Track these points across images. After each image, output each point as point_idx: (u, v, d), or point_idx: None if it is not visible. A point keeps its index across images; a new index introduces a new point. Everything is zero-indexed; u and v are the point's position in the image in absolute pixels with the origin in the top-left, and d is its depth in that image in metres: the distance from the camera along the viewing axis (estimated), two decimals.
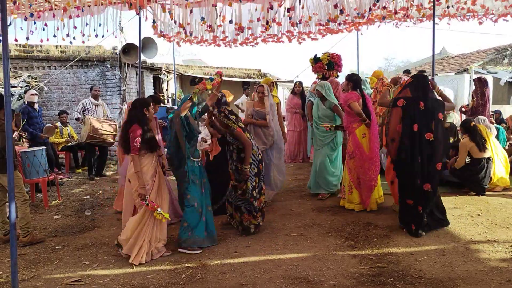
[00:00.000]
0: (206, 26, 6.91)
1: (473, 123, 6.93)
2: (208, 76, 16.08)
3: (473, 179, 6.70)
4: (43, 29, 6.70)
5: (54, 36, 6.85)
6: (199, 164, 4.90)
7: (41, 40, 7.05)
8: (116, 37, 7.93)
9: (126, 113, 5.99)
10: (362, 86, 8.10)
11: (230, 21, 6.46)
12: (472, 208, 6.00)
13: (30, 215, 5.33)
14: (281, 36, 8.76)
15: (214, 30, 7.35)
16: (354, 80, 6.15)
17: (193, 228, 4.76)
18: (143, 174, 4.53)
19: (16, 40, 6.87)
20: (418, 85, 4.99)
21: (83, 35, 6.83)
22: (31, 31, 6.82)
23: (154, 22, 7.25)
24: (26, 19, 6.57)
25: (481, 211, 5.86)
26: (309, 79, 11.59)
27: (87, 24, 6.68)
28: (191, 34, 7.82)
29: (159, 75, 14.27)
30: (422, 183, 4.85)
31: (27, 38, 6.86)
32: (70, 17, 6.44)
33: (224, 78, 16.42)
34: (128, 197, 5.16)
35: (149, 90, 13.23)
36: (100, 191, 7.93)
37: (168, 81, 15.07)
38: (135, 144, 4.49)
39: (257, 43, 8.85)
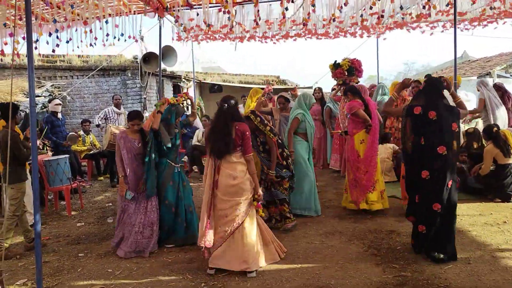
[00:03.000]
0: (229, 22, 7.01)
1: (495, 129, 6.79)
2: (227, 84, 16.22)
3: (498, 186, 6.56)
4: (67, 42, 6.84)
5: (78, 47, 6.99)
6: (178, 170, 5.40)
7: (67, 55, 7.23)
8: (136, 41, 8.05)
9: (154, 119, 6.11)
10: (380, 90, 8.06)
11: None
12: (498, 215, 5.87)
13: (12, 232, 5.23)
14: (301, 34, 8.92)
15: (233, 26, 7.47)
16: (352, 90, 6.50)
17: (171, 229, 5.29)
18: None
19: (40, 55, 7.07)
20: (431, 91, 4.44)
21: (104, 45, 7.00)
22: (57, 44, 6.98)
23: (176, 21, 7.39)
24: (50, 34, 6.72)
25: (508, 218, 5.73)
26: (329, 84, 11.52)
27: (108, 34, 6.80)
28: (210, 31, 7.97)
29: (178, 83, 14.42)
30: (431, 203, 4.32)
31: (53, 51, 7.02)
32: (91, 31, 6.62)
33: (242, 85, 16.39)
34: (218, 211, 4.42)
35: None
36: None
37: (187, 88, 15.20)
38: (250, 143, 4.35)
39: (277, 39, 8.98)
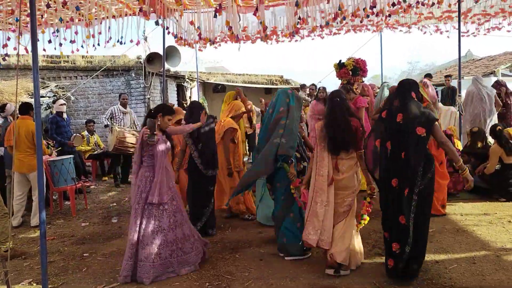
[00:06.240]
0: (228, 31, 7.00)
1: (499, 127, 6.78)
2: (230, 84, 16.22)
3: (503, 185, 6.54)
4: (71, 41, 6.92)
5: (82, 46, 7.07)
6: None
7: (72, 51, 7.29)
8: (139, 44, 8.11)
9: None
10: (386, 90, 8.03)
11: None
12: (502, 215, 5.86)
13: (9, 230, 4.89)
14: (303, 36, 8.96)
15: (238, 39, 7.45)
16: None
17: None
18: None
19: (44, 50, 7.15)
20: (398, 93, 4.15)
21: (106, 44, 7.08)
22: (60, 43, 7.02)
23: (176, 36, 7.41)
24: (54, 33, 6.77)
25: None
26: (332, 84, 11.52)
27: (111, 38, 6.87)
28: (213, 42, 7.95)
29: (182, 83, 14.42)
30: (398, 215, 3.89)
31: (55, 49, 7.09)
32: (93, 36, 6.69)
33: (246, 85, 16.45)
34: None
35: (173, 98, 13.37)
36: (126, 198, 8.02)
37: (191, 88, 15.21)
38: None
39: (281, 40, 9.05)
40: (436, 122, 3.95)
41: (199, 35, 7.21)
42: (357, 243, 4.37)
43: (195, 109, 5.51)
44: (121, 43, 7.11)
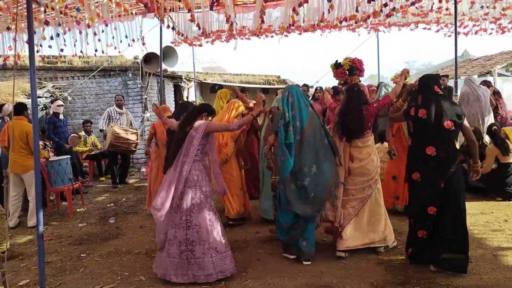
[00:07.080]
0: (227, 26, 7.05)
1: (494, 127, 6.81)
2: (228, 83, 16.22)
3: (499, 184, 6.57)
4: (74, 45, 6.98)
5: (81, 51, 7.12)
6: None
7: (74, 55, 7.34)
8: (140, 42, 8.15)
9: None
10: (384, 90, 8.02)
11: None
12: (499, 214, 5.88)
13: (7, 231, 4.95)
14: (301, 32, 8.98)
15: (235, 35, 7.47)
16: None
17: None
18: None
19: (42, 58, 7.16)
20: (420, 89, 4.24)
21: (109, 45, 7.12)
22: (61, 49, 7.05)
23: (173, 28, 7.42)
24: (52, 38, 6.77)
25: (509, 217, 5.74)
26: (331, 84, 11.54)
27: (113, 37, 6.90)
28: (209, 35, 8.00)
29: (179, 83, 14.41)
30: (427, 206, 4.07)
31: (60, 55, 7.14)
32: (95, 34, 6.71)
33: (243, 85, 16.45)
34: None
35: (170, 98, 13.37)
36: (123, 199, 8.01)
37: (188, 89, 15.20)
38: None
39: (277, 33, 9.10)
40: (465, 119, 4.18)
41: (197, 25, 7.19)
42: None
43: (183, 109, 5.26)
44: (133, 45, 7.25)
